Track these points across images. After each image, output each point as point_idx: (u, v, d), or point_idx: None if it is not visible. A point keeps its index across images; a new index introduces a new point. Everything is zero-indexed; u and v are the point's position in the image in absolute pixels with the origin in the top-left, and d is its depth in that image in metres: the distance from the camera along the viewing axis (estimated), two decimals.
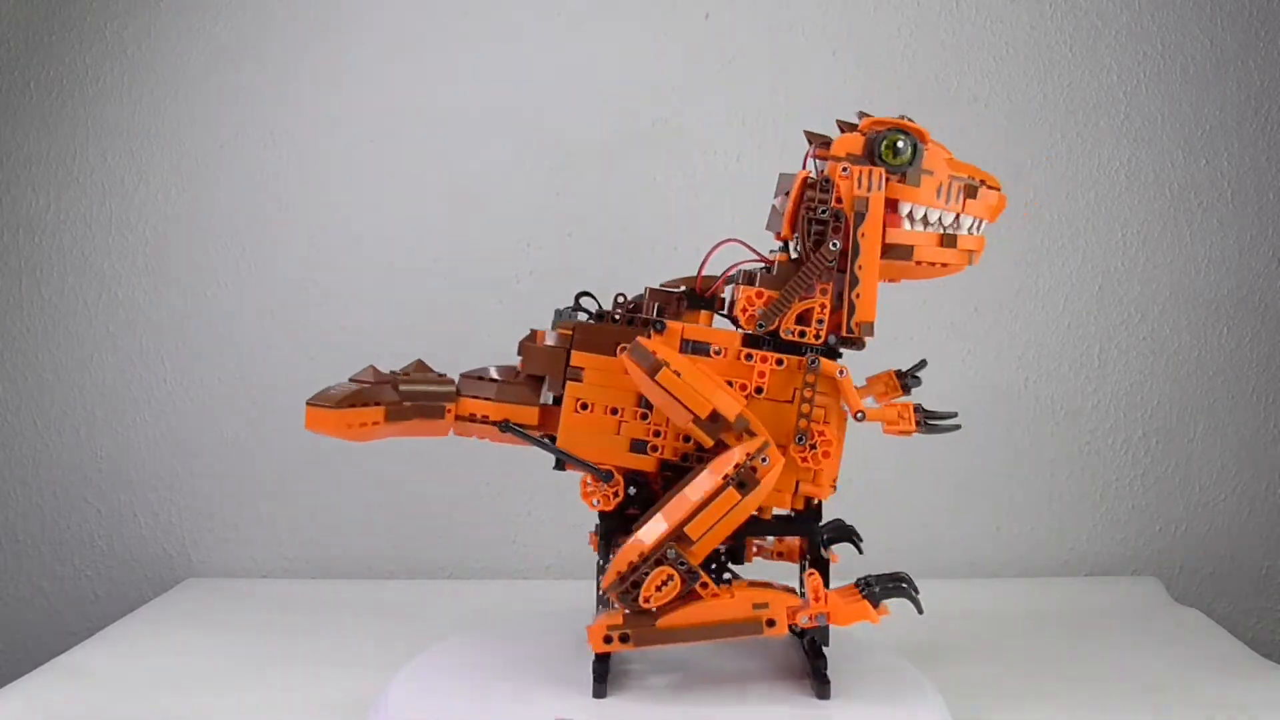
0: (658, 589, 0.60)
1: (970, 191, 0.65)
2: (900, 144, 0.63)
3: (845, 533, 0.73)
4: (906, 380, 0.70)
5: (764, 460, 0.61)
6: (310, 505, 1.03)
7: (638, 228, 1.00)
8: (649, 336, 0.63)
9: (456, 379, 0.67)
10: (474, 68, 1.01)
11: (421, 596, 0.96)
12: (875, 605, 0.63)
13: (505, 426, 0.65)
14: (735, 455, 0.61)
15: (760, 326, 0.63)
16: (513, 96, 1.01)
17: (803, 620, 0.62)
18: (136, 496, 1.04)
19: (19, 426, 1.04)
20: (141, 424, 1.04)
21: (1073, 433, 1.02)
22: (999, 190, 0.67)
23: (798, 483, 0.64)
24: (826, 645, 0.66)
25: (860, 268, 0.63)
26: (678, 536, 0.60)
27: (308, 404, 0.63)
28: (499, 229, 1.01)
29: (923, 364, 0.71)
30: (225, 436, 1.03)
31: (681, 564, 0.60)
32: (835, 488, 0.66)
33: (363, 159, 1.01)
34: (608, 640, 0.62)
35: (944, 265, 0.66)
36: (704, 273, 0.67)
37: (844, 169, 0.63)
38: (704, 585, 0.61)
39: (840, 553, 0.69)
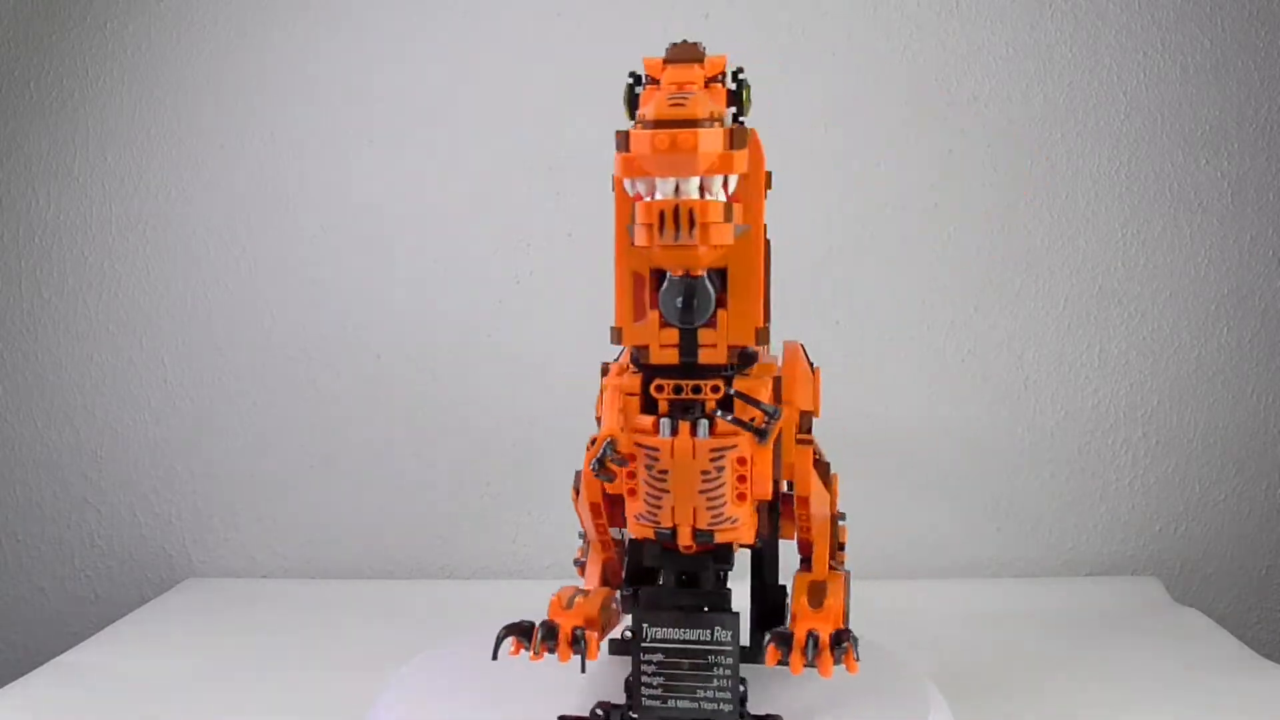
0: None
1: (620, 142, 0.50)
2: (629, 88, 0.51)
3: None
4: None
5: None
6: (310, 505, 1.03)
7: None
8: None
9: None
10: (474, 68, 1.01)
11: (421, 596, 0.96)
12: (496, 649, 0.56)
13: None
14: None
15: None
16: (513, 96, 1.01)
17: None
18: (136, 496, 1.04)
19: (19, 426, 1.04)
20: (141, 424, 1.04)
21: (1073, 433, 1.02)
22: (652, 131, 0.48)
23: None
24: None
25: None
26: None
27: None
28: (499, 229, 1.01)
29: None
30: (225, 436, 1.03)
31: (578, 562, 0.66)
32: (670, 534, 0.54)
33: (362, 159, 1.01)
34: None
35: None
36: None
37: None
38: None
39: None
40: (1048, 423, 1.02)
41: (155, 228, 1.02)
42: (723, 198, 0.49)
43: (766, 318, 0.57)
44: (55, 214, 1.02)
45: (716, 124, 0.48)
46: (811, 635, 0.54)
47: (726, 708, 0.57)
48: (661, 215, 0.48)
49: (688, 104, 0.48)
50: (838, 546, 0.63)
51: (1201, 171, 1.00)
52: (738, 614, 0.57)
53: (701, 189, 0.48)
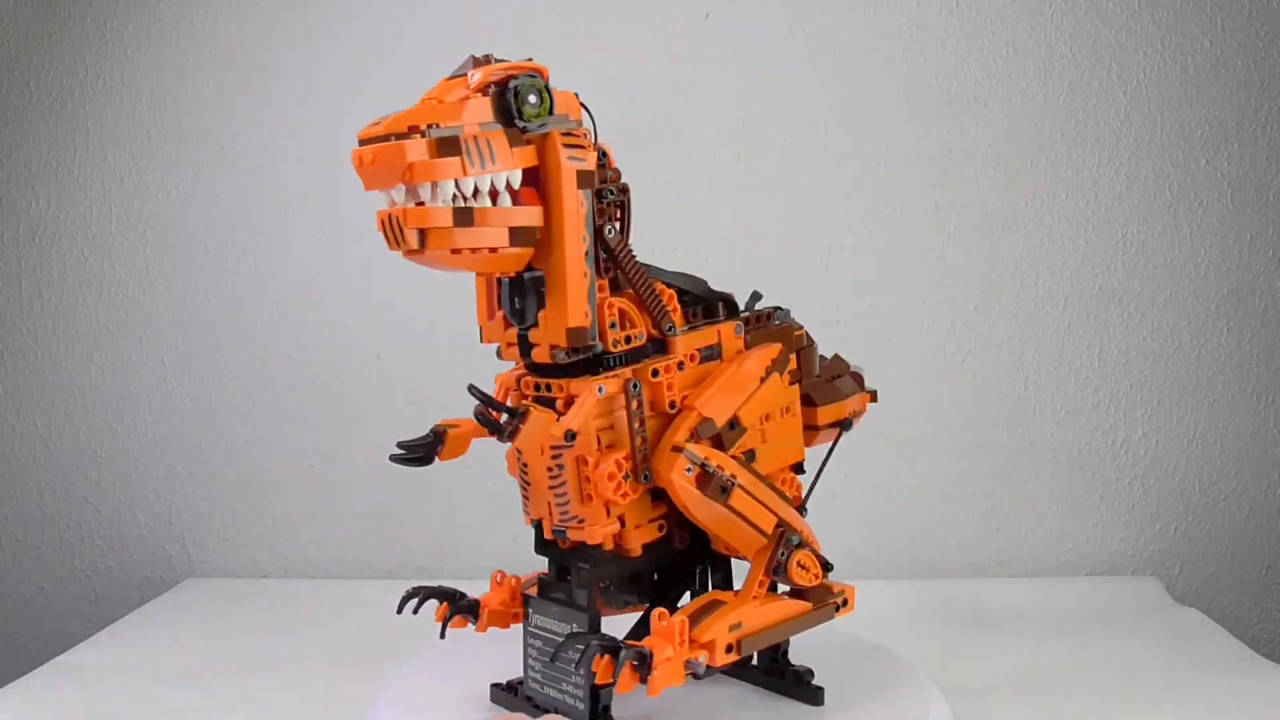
0: None
1: None
2: None
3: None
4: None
5: None
6: (310, 505, 1.03)
7: (637, 228, 1.00)
8: None
9: None
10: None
11: None
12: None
13: None
14: None
15: None
16: None
17: None
18: (136, 496, 1.04)
19: (19, 426, 1.04)
20: (141, 424, 1.04)
21: (1073, 433, 1.02)
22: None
23: None
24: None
25: None
26: None
27: None
28: None
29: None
30: (225, 436, 1.03)
31: None
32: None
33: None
34: None
35: None
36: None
37: None
38: None
39: None
40: (1048, 423, 1.02)
41: (155, 228, 1.02)
42: (449, 204, 0.50)
43: (669, 314, 0.59)
44: (55, 214, 1.02)
45: (417, 136, 0.50)
46: (615, 649, 0.53)
47: (580, 706, 0.57)
48: (384, 225, 0.51)
49: (383, 122, 0.51)
50: (775, 568, 0.58)
51: (1201, 171, 1.00)
52: (596, 615, 0.57)
53: (421, 198, 0.50)
